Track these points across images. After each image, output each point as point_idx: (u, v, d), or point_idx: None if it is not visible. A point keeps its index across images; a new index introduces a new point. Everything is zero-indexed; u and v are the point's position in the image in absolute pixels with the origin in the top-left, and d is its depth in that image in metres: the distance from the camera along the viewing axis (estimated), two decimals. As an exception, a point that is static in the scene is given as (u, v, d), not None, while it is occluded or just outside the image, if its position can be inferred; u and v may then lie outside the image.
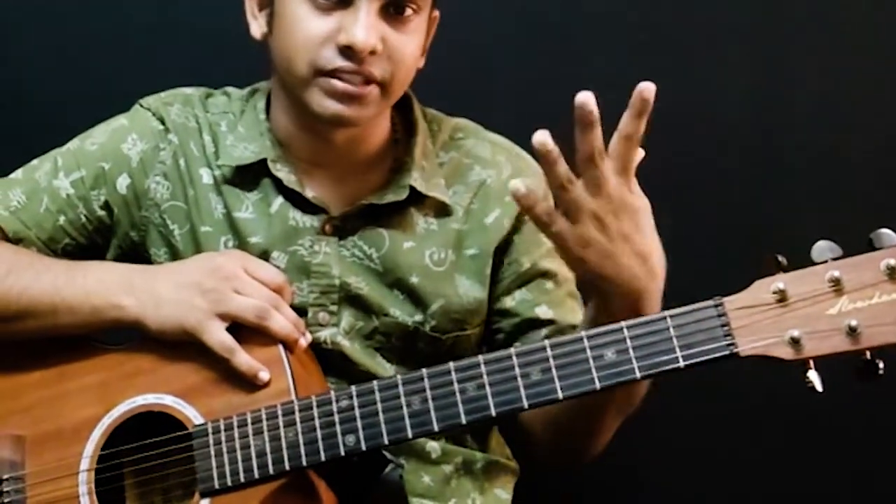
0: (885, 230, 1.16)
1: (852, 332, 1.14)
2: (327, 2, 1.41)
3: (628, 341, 1.21)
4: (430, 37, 1.54)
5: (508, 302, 1.55)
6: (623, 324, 1.21)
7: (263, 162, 1.51)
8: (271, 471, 1.31)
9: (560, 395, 1.22)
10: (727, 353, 1.18)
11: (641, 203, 1.26)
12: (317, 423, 1.30)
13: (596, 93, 1.20)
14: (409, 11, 1.44)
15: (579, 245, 1.25)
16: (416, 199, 1.52)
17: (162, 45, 2.02)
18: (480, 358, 1.26)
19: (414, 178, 1.51)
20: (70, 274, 1.45)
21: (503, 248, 1.54)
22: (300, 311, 1.45)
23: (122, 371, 1.43)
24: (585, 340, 1.22)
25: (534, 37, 2.01)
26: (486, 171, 1.57)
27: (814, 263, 1.17)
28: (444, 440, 1.51)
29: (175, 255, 1.53)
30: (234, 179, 1.53)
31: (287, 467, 1.31)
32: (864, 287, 1.14)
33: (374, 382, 1.30)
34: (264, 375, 1.35)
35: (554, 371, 1.23)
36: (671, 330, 1.20)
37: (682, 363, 1.19)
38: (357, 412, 1.29)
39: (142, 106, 1.60)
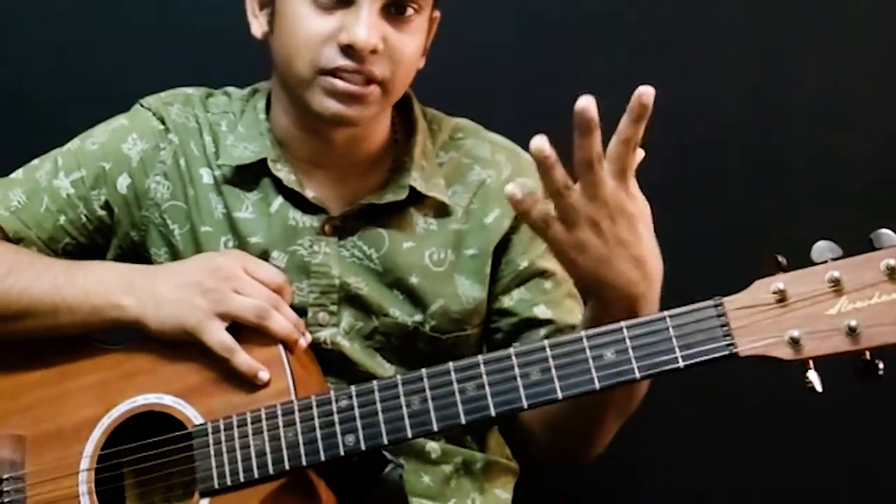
0: (884, 230, 1.16)
1: (852, 332, 1.14)
2: (329, 1, 1.41)
3: (628, 341, 1.21)
4: (431, 37, 1.54)
5: (507, 301, 1.55)
6: (622, 324, 1.21)
7: (263, 162, 1.51)
8: (271, 471, 1.31)
9: (559, 395, 1.22)
10: (727, 353, 1.18)
11: (639, 207, 1.25)
12: (316, 422, 1.30)
13: (595, 93, 1.20)
14: (410, 11, 1.44)
15: (575, 249, 1.25)
16: (416, 199, 1.52)
17: (162, 45, 2.02)
18: (480, 358, 1.26)
19: (413, 178, 1.51)
20: (70, 274, 1.45)
21: (502, 248, 1.54)
22: (300, 311, 1.45)
23: (122, 371, 1.43)
24: (585, 340, 1.22)
25: (533, 37, 2.01)
26: (486, 171, 1.57)
27: (813, 263, 1.17)
28: (443, 440, 1.51)
29: (175, 254, 1.53)
30: (234, 179, 1.53)
31: (287, 467, 1.31)
32: (864, 287, 1.14)
33: (374, 382, 1.30)
34: (264, 375, 1.35)
35: (553, 371, 1.22)
36: (671, 330, 1.20)
37: (681, 363, 1.19)
38: (356, 412, 1.29)
39: (142, 106, 1.60)
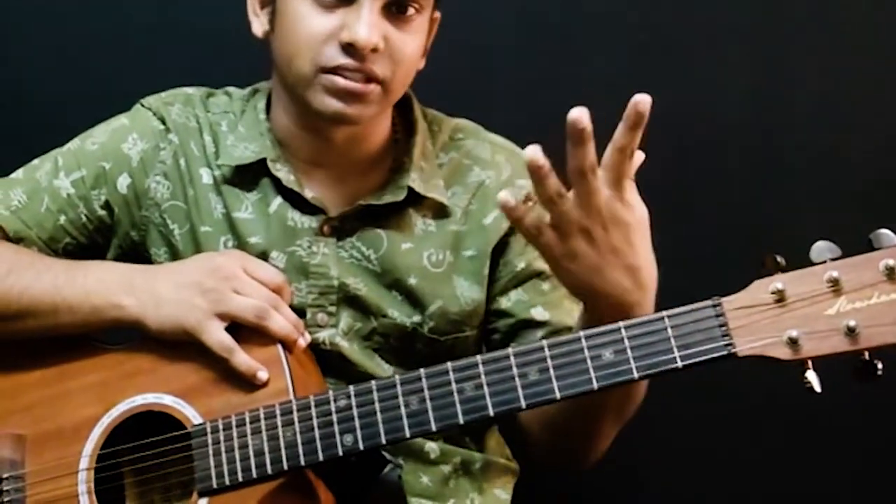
0: (884, 230, 1.15)
1: (851, 332, 1.13)
2: None
3: (626, 341, 1.20)
4: (432, 38, 1.54)
5: (504, 302, 1.55)
6: (621, 324, 1.21)
7: (263, 162, 1.51)
8: (269, 470, 1.31)
9: (558, 395, 1.22)
10: (725, 353, 1.17)
11: (635, 216, 1.24)
12: (315, 422, 1.30)
13: (596, 94, 1.20)
14: (411, 11, 1.44)
15: (567, 257, 1.24)
16: (415, 199, 1.52)
17: (162, 45, 2.02)
18: (478, 358, 1.26)
19: (412, 178, 1.51)
20: (70, 273, 1.45)
21: (500, 249, 1.54)
22: (299, 312, 1.44)
23: (121, 371, 1.43)
24: (583, 340, 1.22)
25: (534, 37, 2.01)
26: (486, 172, 1.57)
27: (812, 264, 1.17)
28: (442, 440, 1.51)
29: (175, 254, 1.53)
30: (234, 179, 1.53)
31: (285, 467, 1.30)
32: (863, 287, 1.14)
33: (372, 382, 1.30)
34: (263, 375, 1.35)
35: (552, 371, 1.22)
36: (669, 330, 1.19)
37: (679, 363, 1.19)
38: (355, 412, 1.29)
39: (142, 105, 1.60)
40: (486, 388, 1.25)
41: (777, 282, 1.17)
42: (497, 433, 1.62)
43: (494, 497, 1.54)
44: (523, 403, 1.23)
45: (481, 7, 1.99)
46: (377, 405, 1.28)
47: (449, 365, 1.27)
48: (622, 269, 1.24)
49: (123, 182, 1.54)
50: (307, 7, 1.42)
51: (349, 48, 1.40)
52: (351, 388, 1.30)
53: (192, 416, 1.37)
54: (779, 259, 1.19)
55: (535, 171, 1.19)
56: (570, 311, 1.53)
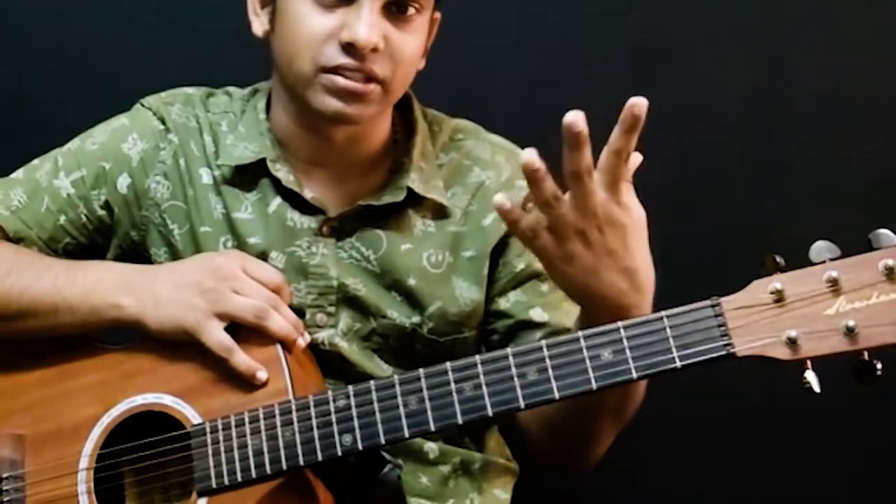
0: (883, 230, 1.15)
1: (850, 332, 1.13)
2: None
3: (625, 341, 1.20)
4: (432, 38, 1.54)
5: (503, 303, 1.54)
6: (620, 324, 1.21)
7: (262, 162, 1.51)
8: (268, 470, 1.31)
9: (556, 395, 1.22)
10: (724, 353, 1.17)
11: (632, 218, 1.24)
12: (314, 422, 1.30)
13: (596, 94, 1.20)
14: (411, 11, 1.44)
15: (563, 260, 1.24)
16: (414, 200, 1.52)
17: (162, 45, 2.02)
18: (477, 358, 1.26)
19: (412, 179, 1.51)
20: (70, 273, 1.45)
21: (499, 250, 1.54)
22: (298, 312, 1.44)
23: (121, 371, 1.43)
24: (582, 340, 1.22)
25: (534, 37, 2.01)
26: (486, 173, 1.57)
27: (812, 264, 1.17)
28: (441, 441, 1.51)
29: (175, 254, 1.53)
30: (234, 179, 1.53)
31: (284, 467, 1.30)
32: (862, 287, 1.14)
33: (372, 382, 1.30)
34: (262, 375, 1.35)
35: (550, 371, 1.22)
36: (668, 330, 1.19)
37: (678, 363, 1.19)
38: (354, 412, 1.29)
39: (143, 105, 1.60)
40: (484, 388, 1.25)
41: (776, 282, 1.17)
42: (497, 433, 1.62)
43: (494, 497, 1.54)
44: (522, 403, 1.23)
45: (481, 7, 1.99)
46: (376, 405, 1.28)
47: (448, 365, 1.27)
48: (618, 272, 1.24)
49: (123, 182, 1.54)
50: (307, 7, 1.42)
51: (349, 48, 1.40)
52: (350, 388, 1.30)
53: (191, 416, 1.37)
54: (778, 259, 1.19)
55: (531, 175, 1.19)
56: (569, 313, 1.52)
